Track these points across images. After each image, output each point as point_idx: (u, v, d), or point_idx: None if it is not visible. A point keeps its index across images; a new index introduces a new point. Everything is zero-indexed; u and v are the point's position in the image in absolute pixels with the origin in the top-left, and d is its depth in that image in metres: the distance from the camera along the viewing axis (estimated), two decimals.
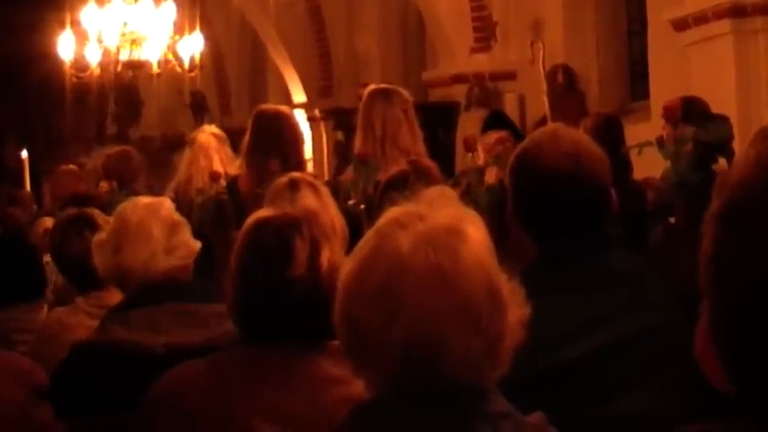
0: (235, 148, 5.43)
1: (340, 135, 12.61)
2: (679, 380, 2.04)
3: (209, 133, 5.75)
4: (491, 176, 4.76)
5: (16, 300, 3.72)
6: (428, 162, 4.66)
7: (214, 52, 14.84)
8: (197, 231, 3.12)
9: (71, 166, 8.35)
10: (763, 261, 0.84)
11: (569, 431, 1.75)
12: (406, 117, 4.95)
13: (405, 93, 5.11)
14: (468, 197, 4.46)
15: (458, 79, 11.07)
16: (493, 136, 6.63)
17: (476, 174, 4.84)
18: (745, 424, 0.86)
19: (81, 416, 2.64)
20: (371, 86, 5.18)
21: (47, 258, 3.91)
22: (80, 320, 3.25)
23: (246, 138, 4.88)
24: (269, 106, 5.25)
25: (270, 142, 4.75)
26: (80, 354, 2.72)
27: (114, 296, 3.09)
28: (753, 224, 0.86)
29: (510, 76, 10.92)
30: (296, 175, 3.55)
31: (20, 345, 3.35)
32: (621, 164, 5.33)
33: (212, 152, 5.58)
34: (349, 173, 4.96)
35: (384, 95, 5.00)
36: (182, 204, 3.34)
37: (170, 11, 10.72)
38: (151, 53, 10.61)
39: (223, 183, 5.08)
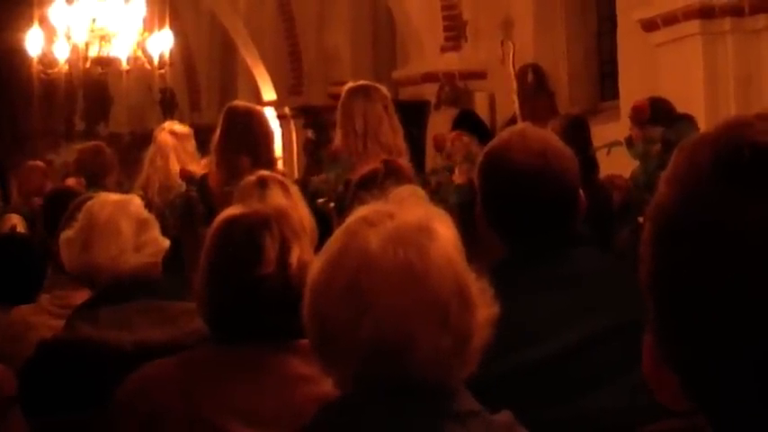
0: (205, 145, 5.42)
1: (310, 133, 12.62)
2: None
3: (167, 131, 5.73)
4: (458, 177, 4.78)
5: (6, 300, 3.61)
6: (401, 161, 4.68)
7: (184, 49, 14.79)
8: (161, 228, 3.11)
9: (37, 162, 8.31)
10: (711, 274, 0.83)
11: (537, 430, 1.75)
12: (387, 113, 4.95)
13: (383, 88, 5.11)
14: (438, 196, 4.47)
15: (428, 78, 11.09)
16: (449, 135, 6.68)
17: (445, 173, 4.86)
18: (707, 423, 0.86)
19: (48, 415, 2.62)
20: (350, 84, 5.17)
21: None
22: (43, 320, 3.20)
23: (217, 135, 4.86)
24: (240, 103, 5.24)
25: (240, 140, 4.74)
26: (47, 352, 2.70)
27: (81, 295, 3.06)
28: (692, 241, 0.84)
29: (480, 75, 10.96)
30: (265, 173, 3.54)
31: None
32: (588, 164, 5.36)
33: (169, 151, 5.58)
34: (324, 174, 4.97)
35: (364, 92, 4.99)
36: (144, 203, 3.32)
37: (139, 7, 10.66)
38: (120, 50, 10.55)
39: (182, 183, 5.06)
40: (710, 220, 0.83)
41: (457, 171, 4.75)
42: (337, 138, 5.01)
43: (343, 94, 5.04)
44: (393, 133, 4.91)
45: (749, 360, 0.81)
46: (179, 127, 5.92)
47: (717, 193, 0.83)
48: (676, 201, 0.86)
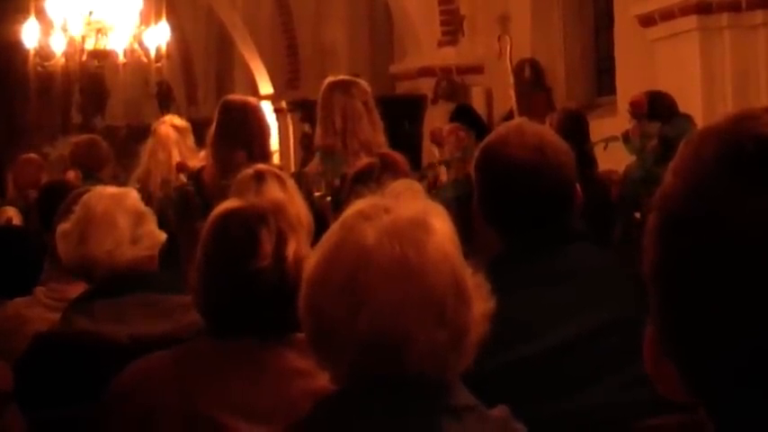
0: (201, 139, 5.41)
1: (306, 127, 12.59)
2: (643, 373, 2.05)
3: (168, 124, 5.72)
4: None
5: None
6: (396, 155, 4.65)
7: (181, 42, 14.78)
8: (161, 222, 3.11)
9: (33, 155, 8.29)
10: (710, 267, 0.82)
11: (533, 424, 1.75)
12: (366, 109, 4.89)
13: (364, 84, 5.03)
14: (435, 190, 4.47)
15: (425, 72, 11.09)
16: (446, 128, 6.67)
17: (442, 168, 4.85)
18: (706, 419, 0.86)
19: (44, 408, 2.61)
20: (330, 78, 5.10)
21: None
22: (38, 313, 3.18)
23: (212, 128, 4.85)
24: (235, 97, 5.21)
25: (236, 133, 4.72)
26: (42, 345, 2.69)
27: (76, 288, 3.05)
28: (694, 233, 0.84)
29: (477, 69, 10.95)
30: (262, 166, 3.53)
31: None
32: (586, 158, 5.37)
33: (171, 145, 5.56)
34: (313, 164, 4.92)
35: (343, 88, 4.93)
36: (143, 196, 3.31)
37: (136, 0, 10.65)
38: (117, 43, 10.54)
39: (182, 177, 5.05)
40: (712, 212, 0.82)
41: (441, 168, 4.74)
42: (318, 134, 4.96)
43: (322, 88, 4.98)
44: (373, 130, 4.86)
45: (747, 353, 0.81)
46: (179, 121, 5.91)
47: (719, 185, 0.83)
48: (681, 192, 0.85)
